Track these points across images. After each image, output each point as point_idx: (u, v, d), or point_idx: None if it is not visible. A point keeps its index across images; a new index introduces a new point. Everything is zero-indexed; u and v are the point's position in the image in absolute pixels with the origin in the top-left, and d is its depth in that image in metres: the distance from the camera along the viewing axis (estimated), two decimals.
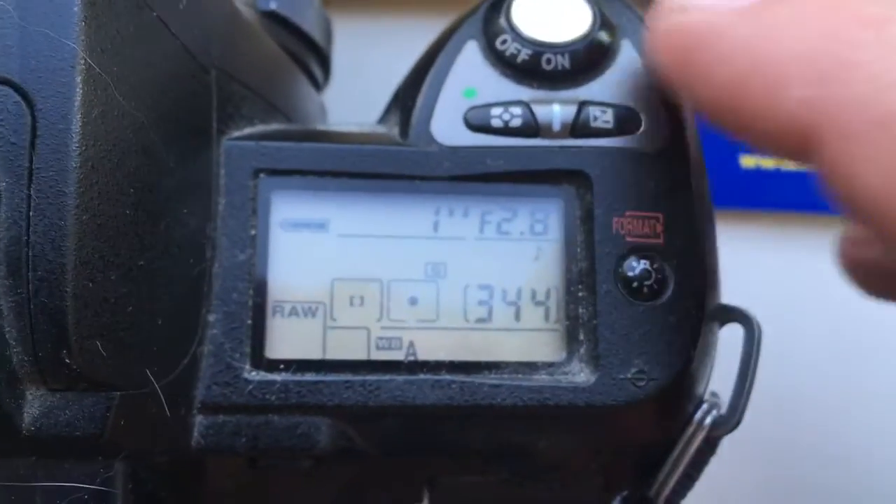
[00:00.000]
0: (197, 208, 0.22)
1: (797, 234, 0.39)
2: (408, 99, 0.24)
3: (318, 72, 0.32)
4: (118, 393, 0.20)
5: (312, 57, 0.31)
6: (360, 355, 0.23)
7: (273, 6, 0.28)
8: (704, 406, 0.24)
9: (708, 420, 0.24)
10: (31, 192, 0.18)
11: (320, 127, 0.26)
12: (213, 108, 0.23)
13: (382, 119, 0.26)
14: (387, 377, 0.22)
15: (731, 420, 0.24)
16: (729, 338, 0.25)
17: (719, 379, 0.25)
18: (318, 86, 0.32)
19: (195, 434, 0.22)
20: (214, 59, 0.23)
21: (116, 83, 0.20)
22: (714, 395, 0.25)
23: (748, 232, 0.39)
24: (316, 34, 0.31)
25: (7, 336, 0.18)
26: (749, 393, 0.24)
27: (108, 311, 0.19)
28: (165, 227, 0.21)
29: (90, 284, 0.19)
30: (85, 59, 0.19)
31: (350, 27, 0.40)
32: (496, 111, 0.24)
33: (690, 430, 0.24)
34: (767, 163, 0.40)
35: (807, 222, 0.39)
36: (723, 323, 0.24)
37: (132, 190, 0.20)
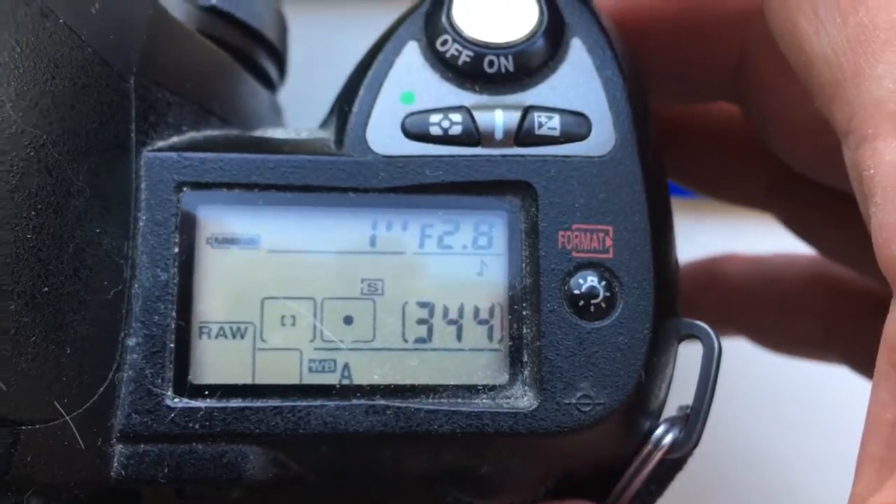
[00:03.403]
0: (112, 226, 0.21)
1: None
2: (345, 103, 0.23)
3: (270, 69, 0.30)
4: (24, 427, 0.19)
5: (263, 54, 0.30)
6: (291, 379, 0.22)
7: (213, 1, 0.27)
8: (663, 426, 0.23)
9: (667, 439, 0.23)
10: None
11: (257, 133, 0.24)
12: (133, 118, 0.21)
13: (324, 123, 0.25)
14: (318, 402, 0.21)
15: (689, 440, 0.23)
16: None
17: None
18: (272, 84, 0.31)
19: (115, 464, 0.21)
20: (134, 66, 0.22)
21: (14, 99, 0.19)
22: (683, 408, 0.24)
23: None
24: (266, 29, 0.29)
25: None
26: (707, 412, 0.23)
27: (8, 342, 0.18)
28: (74, 249, 0.20)
29: None
30: None
31: (318, 18, 0.38)
32: (435, 118, 0.22)
33: (646, 449, 0.23)
34: None
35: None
36: (681, 339, 0.23)
37: (34, 213, 0.19)
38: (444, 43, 0.22)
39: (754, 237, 0.36)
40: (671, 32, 0.27)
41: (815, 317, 0.33)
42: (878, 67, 0.20)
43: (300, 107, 0.33)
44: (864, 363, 0.32)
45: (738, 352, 0.33)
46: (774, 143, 0.28)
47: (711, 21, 0.27)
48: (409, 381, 0.22)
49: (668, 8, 0.27)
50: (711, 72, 0.28)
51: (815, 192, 0.29)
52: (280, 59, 0.31)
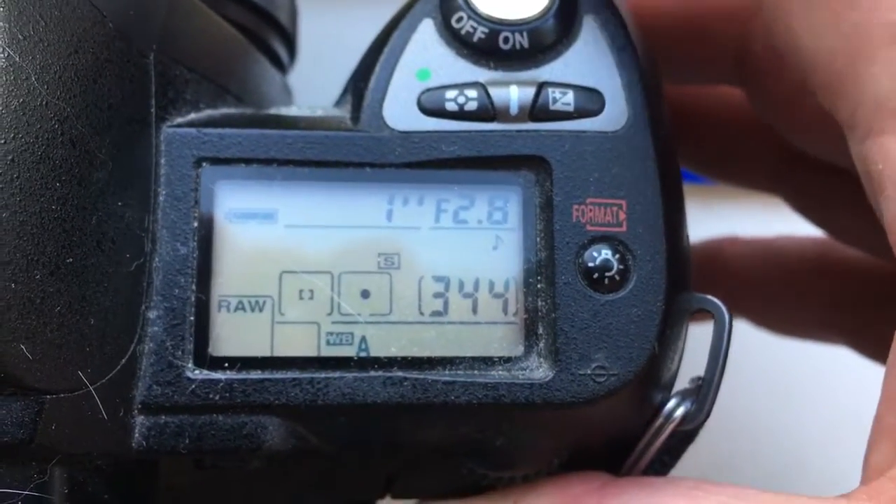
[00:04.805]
0: (133, 200, 0.21)
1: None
2: (360, 81, 0.23)
3: (281, 51, 0.31)
4: (49, 396, 0.19)
5: (274, 36, 0.30)
6: (309, 352, 0.22)
7: None
8: (675, 399, 0.23)
9: (679, 412, 0.23)
10: None
11: (272, 111, 0.25)
12: (152, 93, 0.22)
13: (339, 101, 0.25)
14: (336, 374, 0.21)
15: (700, 413, 0.23)
16: None
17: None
18: (283, 66, 0.31)
19: (136, 435, 0.21)
20: (153, 42, 0.22)
21: (39, 72, 0.19)
22: (695, 380, 0.24)
23: None
24: (277, 11, 0.29)
25: None
26: (718, 385, 0.23)
27: (34, 312, 0.19)
28: (97, 221, 0.20)
29: (13, 285, 0.18)
30: (3, 48, 0.18)
31: (327, 2, 0.39)
32: (451, 94, 0.23)
33: (658, 422, 0.23)
34: None
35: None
36: (692, 313, 0.23)
37: (58, 184, 0.19)
38: (460, 20, 0.23)
39: (762, 222, 0.37)
40: (672, 19, 0.28)
41: (820, 299, 0.33)
42: (875, 67, 0.20)
43: (309, 91, 0.33)
44: (869, 345, 0.32)
45: (748, 332, 0.34)
46: (779, 126, 0.29)
47: (713, 9, 0.28)
48: (425, 354, 0.22)
49: None
50: (713, 58, 0.29)
51: (823, 173, 0.30)
52: (291, 41, 0.31)
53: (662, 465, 0.25)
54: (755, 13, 0.26)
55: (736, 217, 0.38)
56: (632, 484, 0.22)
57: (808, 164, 0.29)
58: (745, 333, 0.30)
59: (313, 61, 0.35)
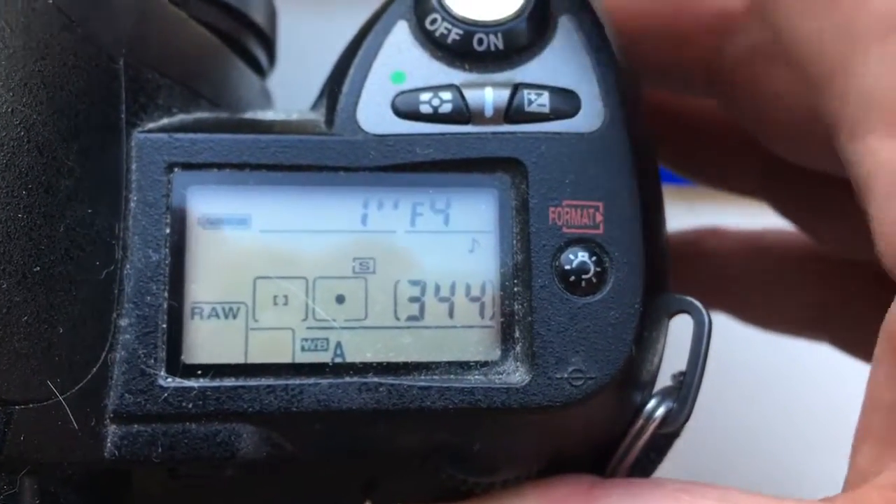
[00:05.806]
0: (103, 207, 0.21)
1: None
2: (335, 84, 0.23)
3: (259, 55, 0.30)
4: (17, 406, 0.19)
5: (252, 39, 0.30)
6: (283, 358, 0.22)
7: None
8: (654, 399, 0.23)
9: (659, 412, 0.23)
10: None
11: (247, 115, 0.24)
12: (122, 99, 0.21)
13: (315, 105, 0.25)
14: (311, 381, 0.21)
15: (681, 413, 0.23)
16: None
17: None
18: (262, 70, 0.31)
19: (108, 445, 0.21)
20: (123, 47, 0.22)
21: (4, 79, 0.19)
22: (677, 376, 0.24)
23: None
24: (255, 14, 0.29)
25: None
26: (698, 386, 0.23)
27: (0, 322, 0.18)
28: (66, 229, 0.20)
29: None
30: None
31: (306, 5, 0.39)
32: (425, 96, 0.22)
33: (639, 423, 0.23)
34: None
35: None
36: (671, 315, 0.23)
37: (25, 192, 0.19)
38: (434, 22, 0.23)
39: (745, 224, 0.36)
40: (646, 24, 0.27)
41: (804, 296, 0.33)
42: (866, 63, 0.20)
43: (290, 94, 0.33)
44: (853, 343, 0.32)
45: (732, 332, 0.34)
46: (760, 137, 0.29)
47: (685, 24, 0.27)
48: (401, 359, 0.22)
49: (642, 11, 0.27)
50: (685, 68, 0.28)
51: (809, 180, 0.29)
52: (269, 44, 0.31)
53: (649, 462, 0.25)
54: (739, 17, 0.25)
55: (719, 218, 0.38)
56: (618, 486, 0.22)
57: (795, 170, 0.29)
58: (729, 333, 0.30)
59: (296, 64, 0.35)
